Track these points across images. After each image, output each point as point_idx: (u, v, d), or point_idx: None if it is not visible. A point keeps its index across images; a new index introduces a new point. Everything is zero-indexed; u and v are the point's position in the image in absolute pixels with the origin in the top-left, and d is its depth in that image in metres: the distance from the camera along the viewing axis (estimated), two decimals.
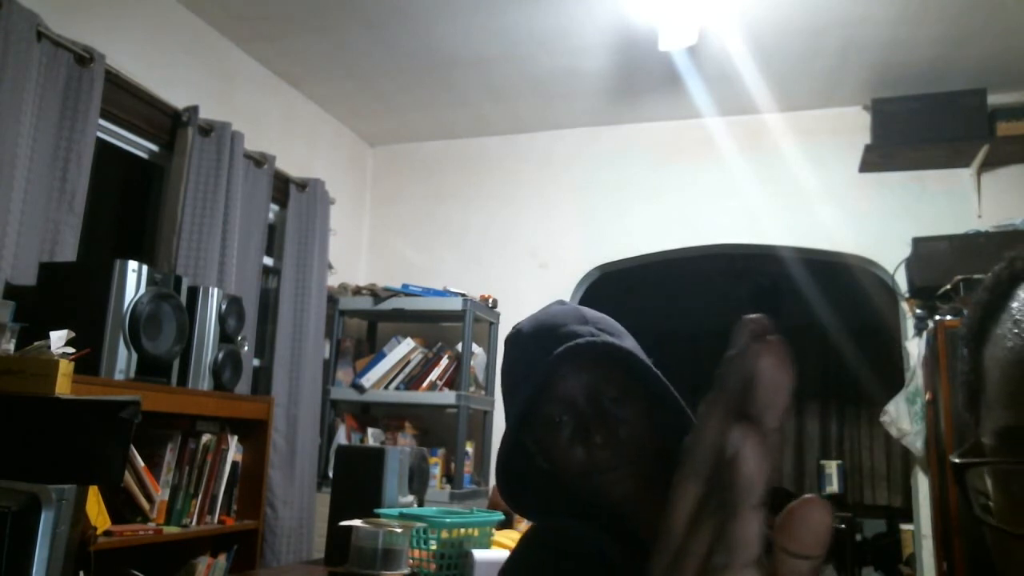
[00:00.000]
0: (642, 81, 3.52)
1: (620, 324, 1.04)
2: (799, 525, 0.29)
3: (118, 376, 2.19)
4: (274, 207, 3.60)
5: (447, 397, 3.55)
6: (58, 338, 1.94)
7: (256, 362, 3.44)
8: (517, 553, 1.08)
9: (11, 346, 1.99)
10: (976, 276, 2.73)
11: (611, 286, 4.36)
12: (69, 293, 2.25)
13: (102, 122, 2.67)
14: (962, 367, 0.50)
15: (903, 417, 3.23)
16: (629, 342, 1.01)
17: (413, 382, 3.66)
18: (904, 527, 4.57)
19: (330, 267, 3.86)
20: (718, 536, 0.29)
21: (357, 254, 4.30)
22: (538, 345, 0.98)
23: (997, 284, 0.47)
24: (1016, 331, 0.44)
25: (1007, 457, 0.43)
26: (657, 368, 0.98)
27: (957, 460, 0.45)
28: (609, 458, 0.95)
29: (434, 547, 2.01)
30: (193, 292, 2.57)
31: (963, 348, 0.51)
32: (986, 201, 3.41)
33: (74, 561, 1.57)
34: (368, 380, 3.69)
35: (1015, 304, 0.45)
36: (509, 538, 2.26)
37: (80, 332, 2.01)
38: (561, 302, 1.08)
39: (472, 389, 3.66)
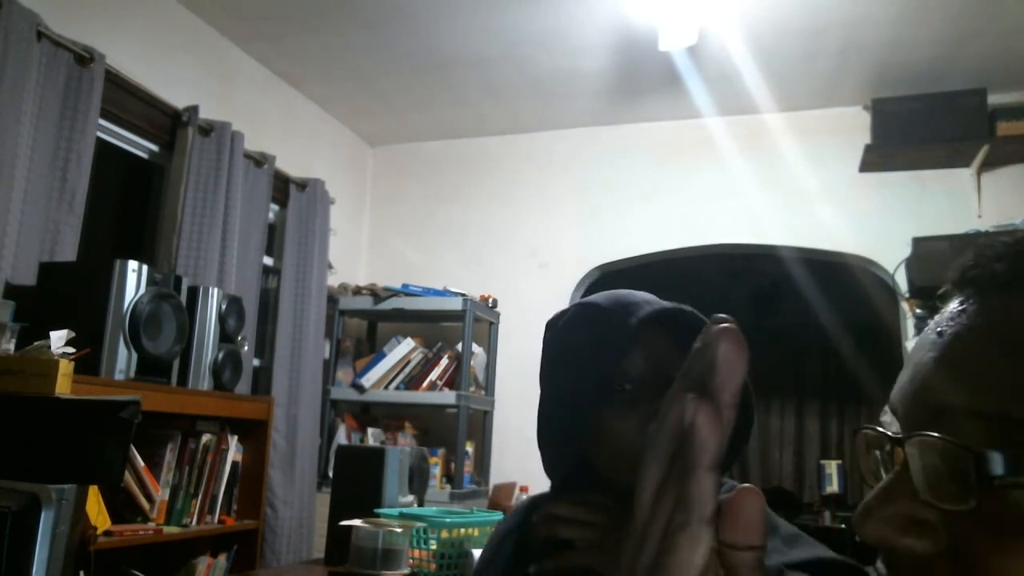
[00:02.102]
0: (642, 81, 3.52)
1: None
2: (738, 516, 0.31)
3: (118, 376, 2.19)
4: (274, 207, 3.60)
5: (447, 397, 3.55)
6: (58, 338, 1.94)
7: (256, 362, 3.44)
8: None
9: (11, 346, 1.99)
10: None
11: (611, 286, 4.36)
12: (69, 293, 2.25)
13: (102, 122, 2.67)
14: None
15: None
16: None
17: (413, 382, 3.66)
18: None
19: (330, 267, 3.86)
20: (679, 500, 0.31)
21: (357, 254, 4.30)
22: (624, 311, 0.92)
23: (944, 293, 0.49)
24: (922, 334, 0.46)
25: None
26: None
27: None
28: None
29: (434, 547, 2.01)
30: (193, 292, 2.57)
31: None
32: (986, 201, 3.41)
33: (74, 561, 1.57)
34: (368, 380, 3.69)
35: (937, 317, 0.46)
36: None
37: (80, 332, 2.01)
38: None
39: (472, 389, 3.66)
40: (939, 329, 0.44)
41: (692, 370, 0.33)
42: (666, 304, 0.92)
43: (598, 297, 0.99)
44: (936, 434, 0.39)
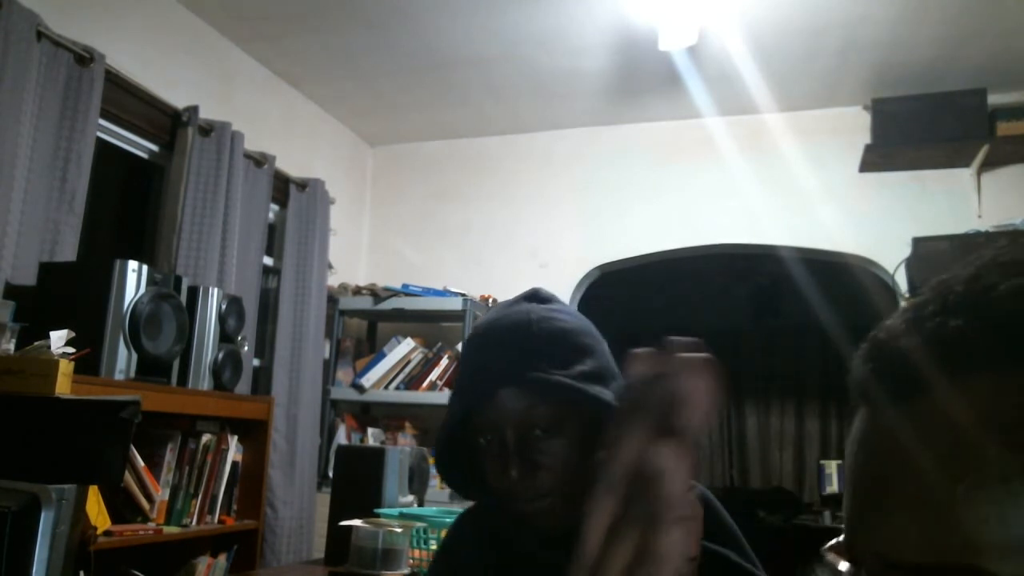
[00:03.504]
0: (642, 81, 3.51)
1: (599, 322, 1.04)
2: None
3: (118, 376, 2.19)
4: (274, 207, 3.60)
5: (447, 397, 3.54)
6: (58, 338, 1.94)
7: (256, 362, 3.44)
8: (450, 529, 1.15)
9: (11, 346, 1.99)
10: None
11: (611, 286, 4.36)
12: (69, 293, 2.25)
13: (102, 122, 2.67)
14: None
15: None
16: (580, 366, 0.95)
17: (413, 382, 3.66)
18: None
19: (330, 267, 3.86)
20: (641, 550, 0.29)
21: (357, 254, 4.30)
22: (477, 366, 0.98)
23: None
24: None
25: None
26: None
27: None
28: (529, 488, 0.93)
29: (434, 547, 2.01)
30: (193, 292, 2.56)
31: None
32: (986, 201, 3.41)
33: (74, 561, 1.57)
34: (368, 380, 3.69)
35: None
36: None
37: (80, 332, 2.01)
38: (529, 296, 1.04)
39: None
40: None
41: (647, 398, 0.30)
42: (506, 381, 0.94)
43: (481, 324, 1.03)
44: None
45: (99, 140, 2.66)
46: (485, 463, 0.98)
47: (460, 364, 1.05)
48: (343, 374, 3.81)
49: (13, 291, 2.18)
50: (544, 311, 1.00)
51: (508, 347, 0.96)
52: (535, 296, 1.04)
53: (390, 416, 3.88)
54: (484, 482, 1.01)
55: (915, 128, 3.37)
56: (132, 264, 2.26)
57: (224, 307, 2.68)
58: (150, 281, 2.31)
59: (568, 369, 0.94)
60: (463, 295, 3.68)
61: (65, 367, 1.83)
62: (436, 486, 3.44)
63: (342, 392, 3.74)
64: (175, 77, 3.01)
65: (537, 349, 0.96)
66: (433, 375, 3.64)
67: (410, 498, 2.51)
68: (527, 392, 0.93)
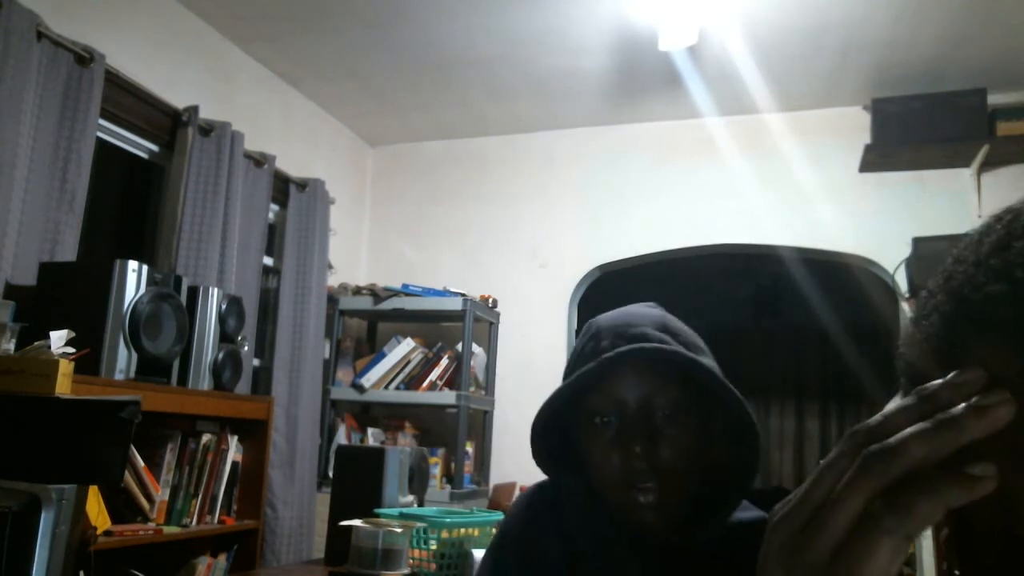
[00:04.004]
0: (642, 81, 3.51)
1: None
2: None
3: (118, 376, 2.19)
4: (274, 207, 3.60)
5: (447, 397, 3.55)
6: (58, 338, 1.94)
7: (256, 362, 3.44)
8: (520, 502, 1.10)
9: (11, 346, 1.99)
10: None
11: (611, 286, 4.36)
12: (69, 293, 2.25)
13: (102, 122, 2.67)
14: None
15: None
16: (708, 359, 0.96)
17: (413, 382, 3.66)
18: None
19: (330, 267, 3.86)
20: (894, 502, 0.29)
21: (357, 254, 4.30)
22: (605, 338, 0.96)
23: None
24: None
25: None
26: None
27: None
28: (644, 472, 0.92)
29: (434, 547, 2.01)
30: (193, 292, 2.57)
31: None
32: (986, 201, 3.40)
33: (74, 561, 1.57)
34: (368, 380, 3.69)
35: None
36: None
37: (80, 332, 2.01)
38: (650, 305, 1.05)
39: (472, 389, 3.66)
40: None
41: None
42: (644, 344, 0.93)
43: (603, 316, 1.02)
44: None
45: (99, 140, 2.66)
46: (593, 447, 0.96)
47: (576, 348, 1.01)
48: (343, 374, 3.81)
49: (13, 291, 2.18)
50: (671, 315, 1.02)
51: (639, 325, 0.96)
52: (657, 305, 1.05)
53: (390, 416, 3.88)
54: (578, 471, 0.99)
55: (915, 128, 3.37)
56: (132, 264, 2.26)
57: (224, 307, 2.68)
58: (150, 281, 2.31)
59: (701, 357, 0.95)
60: (463, 295, 3.68)
61: (65, 367, 1.83)
62: (436, 486, 3.44)
63: (342, 392, 3.74)
64: (175, 77, 3.01)
65: (676, 330, 0.97)
66: (433, 375, 3.64)
67: (410, 498, 2.51)
68: (659, 369, 0.93)
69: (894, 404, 0.31)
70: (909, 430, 0.30)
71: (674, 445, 0.93)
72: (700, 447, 0.95)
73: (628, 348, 0.92)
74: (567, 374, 1.00)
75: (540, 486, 1.10)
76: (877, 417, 0.31)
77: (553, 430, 1.02)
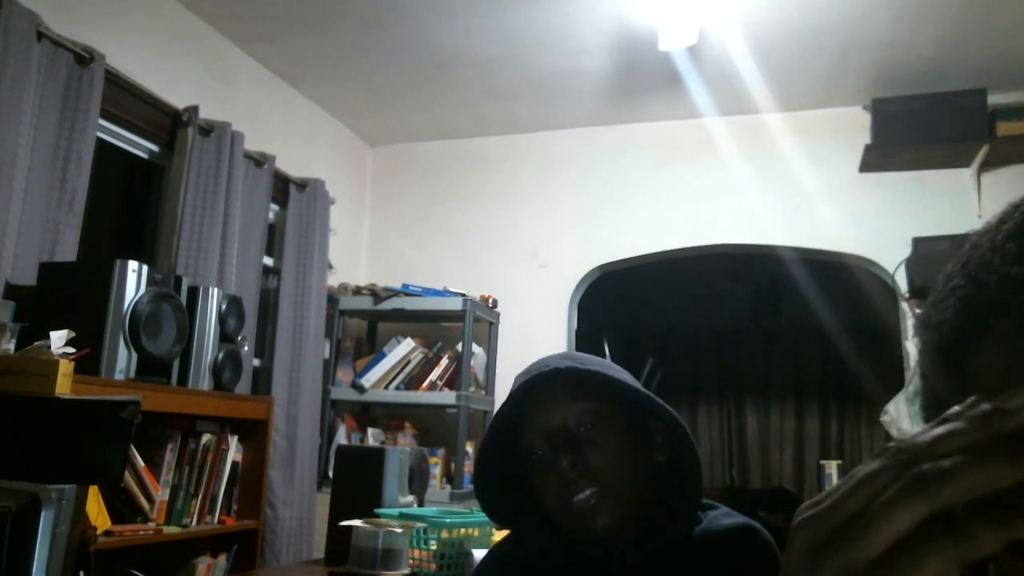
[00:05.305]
0: (642, 81, 3.51)
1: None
2: None
3: (118, 376, 2.19)
4: (274, 207, 3.59)
5: (447, 397, 3.55)
6: (58, 338, 1.94)
7: (256, 362, 3.44)
8: (485, 557, 1.17)
9: (11, 346, 1.99)
10: None
11: (611, 286, 4.36)
12: (69, 293, 2.25)
13: (102, 122, 2.67)
14: None
15: (903, 417, 3.23)
16: (613, 372, 1.03)
17: (413, 382, 3.66)
18: None
19: (330, 267, 3.86)
20: (957, 524, 0.28)
21: (357, 254, 4.30)
22: (518, 380, 1.04)
23: None
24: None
25: None
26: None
27: None
28: (578, 480, 0.97)
29: (434, 547, 2.01)
30: (193, 292, 2.56)
31: None
32: (986, 201, 3.40)
33: (74, 561, 1.57)
34: (368, 380, 3.69)
35: None
36: None
37: (80, 332, 2.01)
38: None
39: (472, 389, 3.66)
40: None
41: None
42: (547, 368, 1.01)
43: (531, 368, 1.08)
44: None
45: (99, 140, 2.66)
46: (537, 480, 1.02)
47: (499, 410, 1.07)
48: (343, 374, 3.81)
49: (13, 291, 2.18)
50: (581, 353, 1.10)
51: (543, 363, 1.03)
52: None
53: (390, 416, 3.88)
54: (531, 508, 1.06)
55: (915, 128, 3.37)
56: (132, 264, 2.26)
57: (224, 307, 2.68)
58: (150, 281, 2.31)
59: (609, 371, 1.03)
60: (463, 295, 3.68)
61: (65, 367, 1.83)
62: (436, 486, 3.44)
63: (342, 392, 3.73)
64: (175, 77, 3.01)
65: (582, 359, 1.04)
66: (433, 375, 3.64)
67: (410, 498, 2.51)
68: (567, 390, 1.01)
69: (946, 428, 0.30)
70: (964, 458, 0.29)
71: (603, 450, 0.99)
72: (635, 449, 1.01)
73: (527, 378, 1.01)
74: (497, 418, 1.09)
75: (501, 541, 1.18)
76: (927, 436, 0.30)
77: (508, 482, 1.09)
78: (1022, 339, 0.34)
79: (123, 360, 2.21)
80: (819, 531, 0.31)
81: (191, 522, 2.50)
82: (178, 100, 2.98)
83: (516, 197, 4.12)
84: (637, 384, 1.02)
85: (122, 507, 2.33)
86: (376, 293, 3.78)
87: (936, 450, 0.30)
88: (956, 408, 0.31)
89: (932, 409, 0.42)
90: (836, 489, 0.32)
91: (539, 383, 1.00)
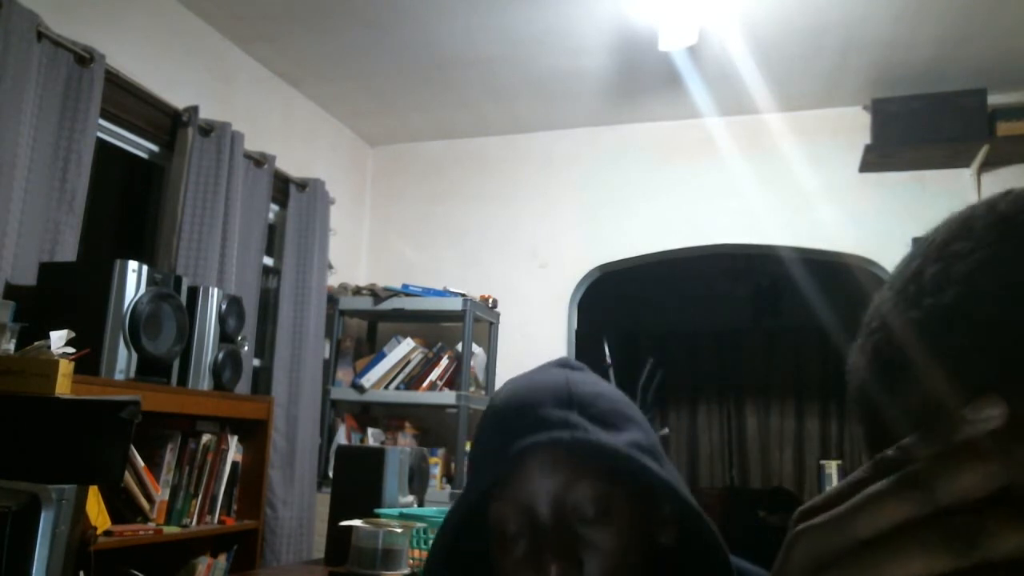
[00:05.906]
0: (642, 81, 3.51)
1: (618, 379, 0.85)
2: None
3: (118, 376, 2.19)
4: (274, 207, 3.59)
5: (447, 397, 3.55)
6: (58, 338, 1.94)
7: (256, 362, 3.44)
8: None
9: (11, 346, 1.99)
10: None
11: (611, 286, 4.36)
12: (69, 293, 2.25)
13: (102, 122, 2.67)
14: None
15: None
16: (629, 434, 0.76)
17: (413, 382, 3.66)
18: None
19: (330, 267, 3.86)
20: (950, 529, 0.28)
21: (357, 254, 4.30)
22: (502, 428, 0.76)
23: None
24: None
25: None
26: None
27: None
28: None
29: None
30: (193, 292, 2.57)
31: None
32: None
33: (74, 561, 1.57)
34: (368, 380, 3.69)
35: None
36: None
37: (80, 332, 2.01)
38: (559, 363, 0.86)
39: (472, 389, 3.66)
40: None
41: None
42: (547, 436, 0.73)
43: (501, 392, 0.83)
44: None
45: (99, 140, 2.66)
46: (502, 566, 0.75)
47: (474, 440, 0.83)
48: (343, 374, 3.81)
49: (13, 291, 2.18)
50: (580, 375, 0.82)
51: (542, 407, 0.75)
52: (566, 363, 0.86)
53: (390, 416, 3.88)
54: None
55: (915, 128, 3.37)
56: (132, 264, 2.26)
57: (224, 307, 2.68)
58: (150, 281, 2.31)
59: (618, 435, 0.75)
60: (463, 295, 3.68)
61: (65, 367, 1.83)
62: (436, 486, 3.44)
63: (342, 392, 3.74)
64: (175, 77, 3.01)
65: (585, 401, 0.76)
66: (433, 375, 3.64)
67: (410, 498, 2.51)
68: (571, 462, 0.73)
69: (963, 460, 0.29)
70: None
71: (604, 558, 0.72)
72: (639, 543, 0.75)
73: (519, 447, 0.73)
74: (469, 468, 0.84)
75: None
76: (932, 462, 0.29)
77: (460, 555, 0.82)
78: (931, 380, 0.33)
79: (123, 360, 2.22)
80: (821, 554, 0.30)
81: (191, 522, 2.50)
82: (178, 100, 2.98)
83: (516, 197, 4.12)
84: (642, 457, 0.74)
85: (122, 507, 2.33)
86: (376, 293, 3.78)
87: (942, 476, 0.29)
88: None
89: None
90: (841, 507, 0.31)
91: (525, 450, 0.73)
